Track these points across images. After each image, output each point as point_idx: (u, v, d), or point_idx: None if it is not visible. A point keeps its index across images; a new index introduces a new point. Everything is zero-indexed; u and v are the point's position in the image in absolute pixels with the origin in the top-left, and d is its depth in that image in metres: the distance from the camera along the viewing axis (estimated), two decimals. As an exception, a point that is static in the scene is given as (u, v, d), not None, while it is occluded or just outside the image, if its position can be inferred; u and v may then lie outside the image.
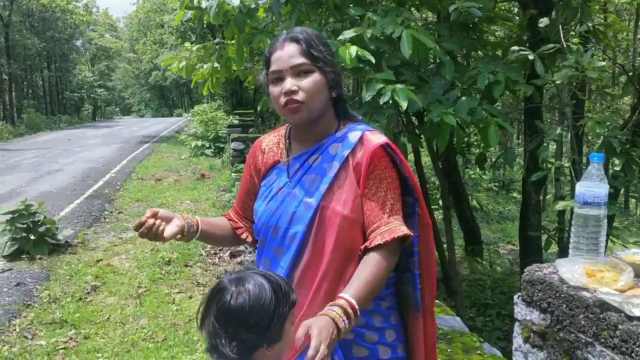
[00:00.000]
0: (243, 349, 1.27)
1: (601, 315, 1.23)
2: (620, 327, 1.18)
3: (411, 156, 5.58)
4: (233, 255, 6.23)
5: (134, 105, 76.80)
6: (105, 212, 8.88)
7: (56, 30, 40.22)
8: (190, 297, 5.11)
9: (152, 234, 1.57)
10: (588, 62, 3.52)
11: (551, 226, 5.99)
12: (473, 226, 8.03)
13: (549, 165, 4.29)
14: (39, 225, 6.32)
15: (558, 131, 4.03)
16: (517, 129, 13.75)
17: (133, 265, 6.03)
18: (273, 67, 1.59)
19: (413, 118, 4.84)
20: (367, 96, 3.23)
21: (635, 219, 13.28)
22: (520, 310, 1.49)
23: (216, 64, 4.64)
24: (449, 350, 2.98)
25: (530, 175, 4.39)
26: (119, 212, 8.88)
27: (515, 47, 3.88)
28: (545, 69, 3.75)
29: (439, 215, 8.38)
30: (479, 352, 2.96)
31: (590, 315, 1.25)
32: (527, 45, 4.26)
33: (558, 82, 3.72)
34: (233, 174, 10.72)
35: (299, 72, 1.56)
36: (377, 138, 1.61)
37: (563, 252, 4.79)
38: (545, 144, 4.25)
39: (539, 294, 1.41)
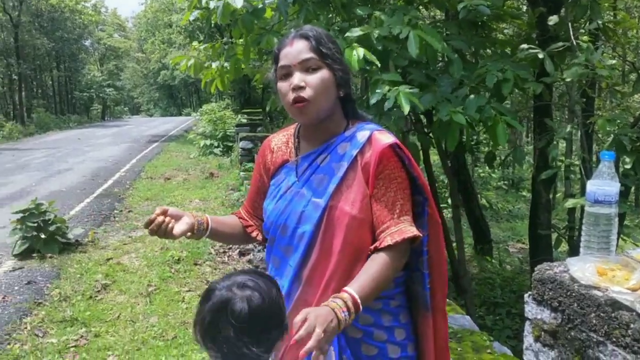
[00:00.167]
0: (269, 345, 1.29)
1: (613, 314, 1.22)
2: (632, 326, 1.18)
3: (420, 154, 5.57)
4: (242, 254, 6.25)
5: (142, 105, 77.08)
6: (115, 211, 8.93)
7: (65, 30, 40.42)
8: (200, 296, 5.12)
9: (161, 231, 1.58)
10: (598, 59, 3.49)
11: (561, 225, 5.96)
12: (482, 225, 8.00)
13: (559, 164, 4.26)
14: (49, 224, 6.36)
15: (568, 129, 4.01)
16: (526, 127, 13.69)
17: (143, 264, 6.06)
18: (281, 63, 1.59)
19: (422, 117, 4.83)
20: (372, 100, 3.22)
21: (645, 217, 13.18)
22: (531, 309, 1.48)
23: (225, 64, 4.65)
24: (459, 349, 2.97)
25: (540, 173, 4.37)
26: (129, 211, 8.93)
27: (525, 45, 3.85)
28: (554, 67, 3.73)
29: (448, 213, 8.36)
30: (489, 350, 2.95)
31: (601, 314, 1.25)
32: (537, 43, 4.23)
33: (568, 80, 3.70)
34: (241, 173, 10.74)
35: (307, 67, 1.56)
36: (385, 138, 1.60)
37: (573, 251, 4.77)
38: (555, 142, 4.23)
39: (550, 293, 1.40)
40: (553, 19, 4.04)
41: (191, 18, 4.50)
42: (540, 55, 3.61)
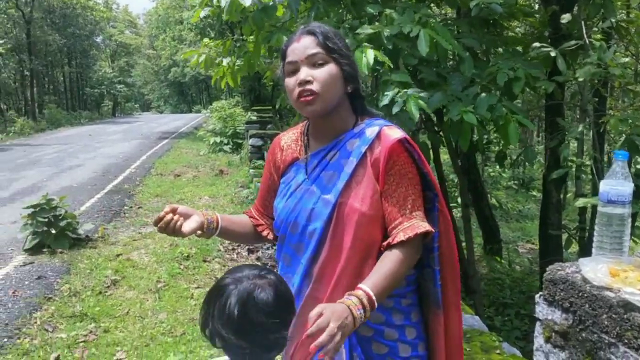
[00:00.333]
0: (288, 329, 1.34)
1: (625, 316, 1.21)
2: (644, 328, 1.16)
3: (430, 153, 5.54)
4: (251, 251, 6.26)
5: (153, 102, 77.30)
6: (125, 207, 8.97)
7: (77, 26, 40.65)
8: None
9: (169, 229, 1.58)
10: (611, 58, 3.46)
11: (571, 225, 5.92)
12: (492, 224, 7.95)
13: (570, 163, 4.23)
14: (60, 219, 6.40)
15: (580, 129, 3.97)
16: (537, 126, 13.61)
17: (152, 260, 6.09)
18: (289, 59, 1.60)
19: (432, 115, 4.80)
20: (382, 102, 3.21)
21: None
22: (542, 310, 1.47)
23: (238, 62, 4.65)
24: (468, 349, 2.96)
25: (551, 173, 4.34)
26: (139, 207, 8.97)
27: (537, 44, 3.83)
28: (567, 66, 3.70)
29: (457, 213, 8.32)
30: (498, 351, 2.93)
31: (613, 316, 1.24)
32: (549, 41, 4.20)
33: (580, 79, 3.66)
34: (251, 170, 10.76)
35: (314, 62, 1.56)
36: (394, 133, 1.59)
37: (583, 251, 4.74)
38: (566, 142, 4.20)
39: (561, 294, 1.39)
40: (566, 17, 4.01)
41: (202, 15, 4.50)
42: (553, 54, 3.58)
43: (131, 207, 9.02)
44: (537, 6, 5.94)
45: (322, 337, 1.25)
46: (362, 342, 1.59)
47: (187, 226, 1.61)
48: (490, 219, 7.92)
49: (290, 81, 1.59)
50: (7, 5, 32.12)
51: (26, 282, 5.37)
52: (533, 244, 9.49)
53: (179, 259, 6.07)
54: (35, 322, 4.48)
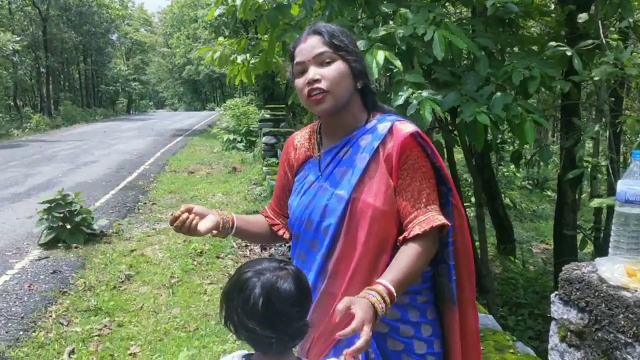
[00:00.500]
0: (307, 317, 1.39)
1: (642, 316, 1.20)
2: (661, 328, 1.16)
3: (444, 152, 5.53)
4: (264, 248, 6.28)
5: (167, 99, 77.75)
6: (139, 203, 9.03)
7: (92, 24, 40.99)
8: (222, 289, 5.16)
9: (185, 228, 1.60)
10: (628, 58, 3.43)
11: (586, 226, 5.88)
12: (506, 224, 7.91)
13: (586, 164, 4.20)
14: (75, 214, 6.46)
15: (596, 129, 3.94)
16: (552, 126, 13.51)
17: (166, 256, 6.13)
18: (297, 60, 1.62)
19: (446, 114, 4.79)
20: (395, 102, 3.20)
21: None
22: (557, 309, 1.46)
23: (253, 60, 4.67)
24: (481, 348, 2.95)
25: (566, 173, 4.31)
26: (153, 204, 9.02)
27: (553, 43, 3.80)
28: (583, 66, 3.67)
29: (471, 212, 8.29)
30: (512, 350, 2.92)
31: (630, 316, 1.23)
32: (565, 41, 4.18)
33: (596, 78, 3.64)
34: (264, 168, 10.79)
35: (321, 61, 1.58)
36: (406, 127, 1.60)
37: (599, 252, 4.70)
38: (582, 142, 4.17)
39: (577, 293, 1.39)
40: (583, 17, 3.97)
41: (217, 13, 4.53)
42: (569, 53, 3.55)
43: (145, 203, 9.08)
44: (553, 5, 5.90)
45: (360, 343, 1.26)
46: (378, 338, 1.59)
47: (203, 225, 1.62)
48: (504, 219, 7.88)
49: (299, 81, 1.60)
50: (24, 3, 32.47)
51: (41, 276, 5.44)
52: (547, 244, 9.43)
53: (193, 255, 6.11)
54: (51, 316, 4.53)
